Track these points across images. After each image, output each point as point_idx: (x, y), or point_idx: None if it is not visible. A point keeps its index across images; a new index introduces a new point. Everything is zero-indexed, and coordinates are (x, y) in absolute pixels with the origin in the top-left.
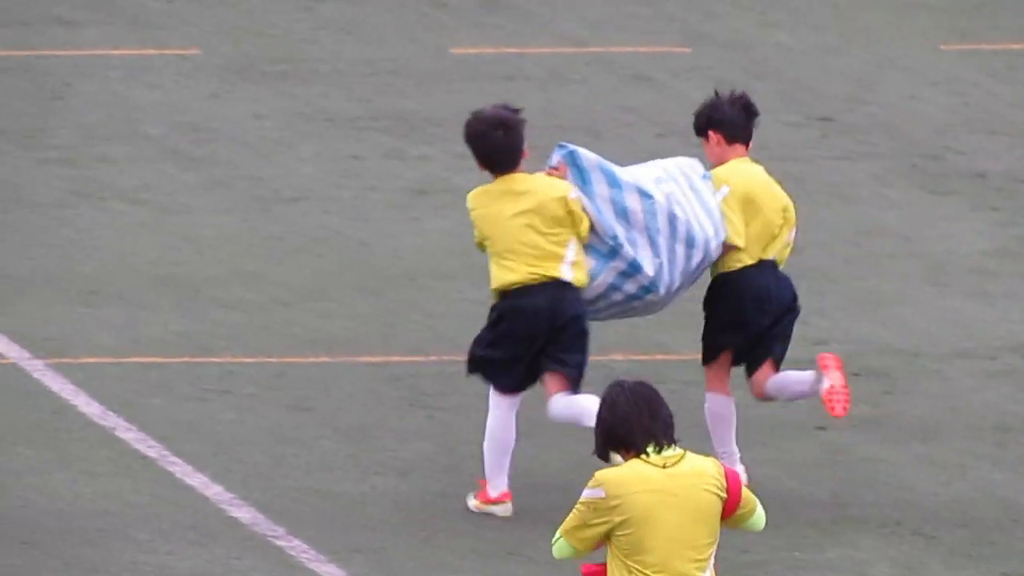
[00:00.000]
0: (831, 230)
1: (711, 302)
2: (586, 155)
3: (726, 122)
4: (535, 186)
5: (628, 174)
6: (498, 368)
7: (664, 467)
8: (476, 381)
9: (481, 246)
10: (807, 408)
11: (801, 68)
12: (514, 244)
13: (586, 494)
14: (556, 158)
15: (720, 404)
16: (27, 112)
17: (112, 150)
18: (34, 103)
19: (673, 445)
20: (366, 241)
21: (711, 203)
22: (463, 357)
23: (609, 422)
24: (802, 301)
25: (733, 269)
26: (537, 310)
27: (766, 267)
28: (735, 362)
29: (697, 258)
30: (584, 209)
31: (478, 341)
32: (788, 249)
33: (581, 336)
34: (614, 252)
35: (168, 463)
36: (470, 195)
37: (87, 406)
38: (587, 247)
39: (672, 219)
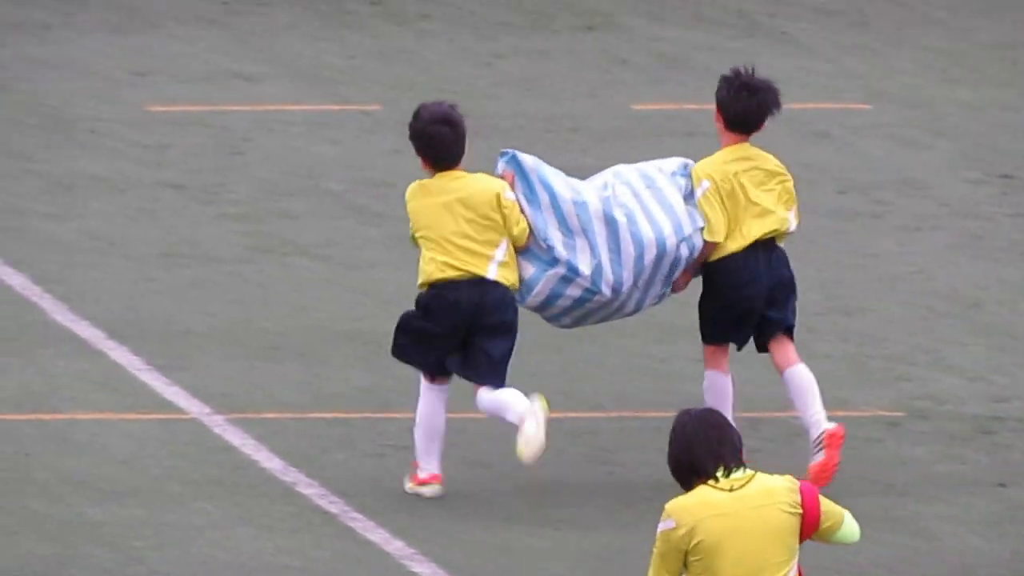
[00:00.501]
0: (1013, 288)
1: (702, 294)
2: (526, 161)
3: (725, 105)
4: (471, 183)
5: (564, 181)
6: (419, 356)
7: (731, 490)
8: (656, 438)
9: (414, 240)
10: (987, 464)
11: (982, 125)
12: (446, 239)
13: (659, 527)
14: (501, 166)
15: (716, 381)
16: (207, 167)
17: (293, 205)
18: (214, 158)
19: (742, 468)
20: None
21: (672, 200)
22: (643, 413)
23: (678, 450)
24: (982, 358)
25: (716, 259)
26: (459, 305)
27: (755, 250)
28: (739, 346)
29: (650, 256)
30: (521, 212)
31: (401, 328)
32: (786, 225)
33: (504, 331)
34: (553, 258)
35: (349, 518)
36: (408, 189)
37: (268, 461)
38: (528, 254)
39: (610, 221)
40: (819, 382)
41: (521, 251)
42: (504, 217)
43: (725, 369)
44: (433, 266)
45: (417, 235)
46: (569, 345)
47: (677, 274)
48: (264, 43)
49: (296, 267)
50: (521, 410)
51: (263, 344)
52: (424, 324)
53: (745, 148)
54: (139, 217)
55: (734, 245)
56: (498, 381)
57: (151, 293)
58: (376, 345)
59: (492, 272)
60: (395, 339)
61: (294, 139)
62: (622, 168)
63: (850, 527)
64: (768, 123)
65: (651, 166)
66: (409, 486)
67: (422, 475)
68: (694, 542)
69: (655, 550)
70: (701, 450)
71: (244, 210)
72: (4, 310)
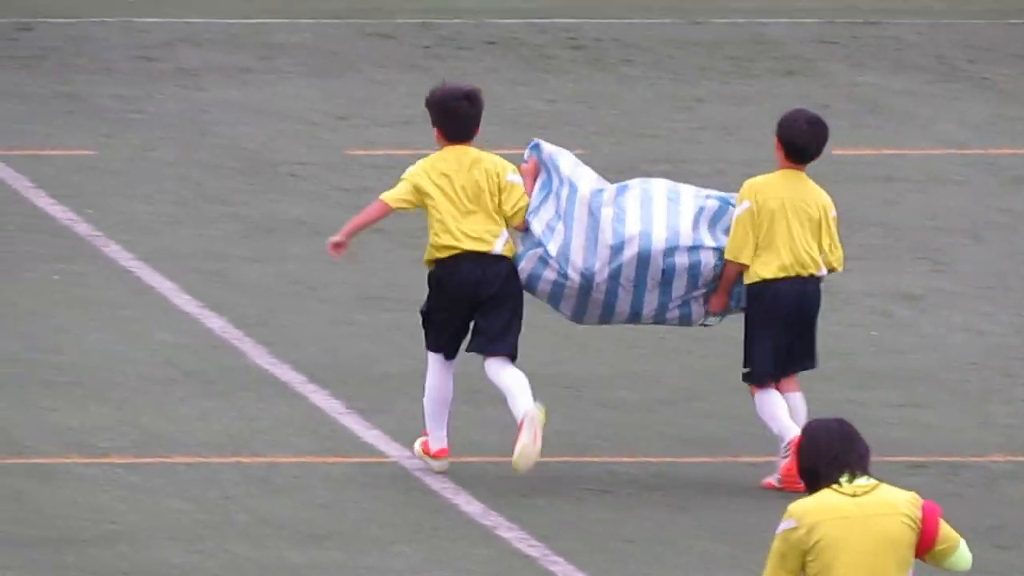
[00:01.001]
0: None
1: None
2: (545, 148)
3: (786, 133)
4: (483, 159)
5: (572, 168)
6: (430, 329)
7: (854, 496)
8: None
9: (414, 205)
10: None
11: None
12: (453, 213)
13: (780, 527)
14: (527, 153)
15: (775, 401)
16: (407, 212)
17: None
18: None
19: (867, 476)
20: None
21: (683, 214)
22: None
23: (806, 457)
24: None
25: (750, 283)
26: (464, 280)
27: (790, 282)
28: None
29: (630, 252)
30: (523, 193)
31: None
32: (832, 257)
33: (508, 305)
34: (535, 239)
35: (549, 562)
36: (424, 160)
37: (468, 505)
38: (522, 235)
39: (594, 211)
40: (1014, 426)
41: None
42: (502, 193)
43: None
44: (440, 239)
45: (427, 206)
46: None
47: (685, 288)
48: None
49: None
50: (521, 411)
51: (463, 388)
52: (435, 304)
53: (799, 177)
54: (339, 261)
55: (767, 273)
56: (507, 348)
57: (351, 336)
58: (576, 389)
59: (497, 246)
60: (420, 311)
61: None
62: (657, 181)
63: (964, 555)
64: (966, 169)
65: (687, 188)
66: (417, 450)
67: (433, 447)
68: (813, 542)
69: (773, 550)
70: (827, 457)
71: None
72: (205, 353)
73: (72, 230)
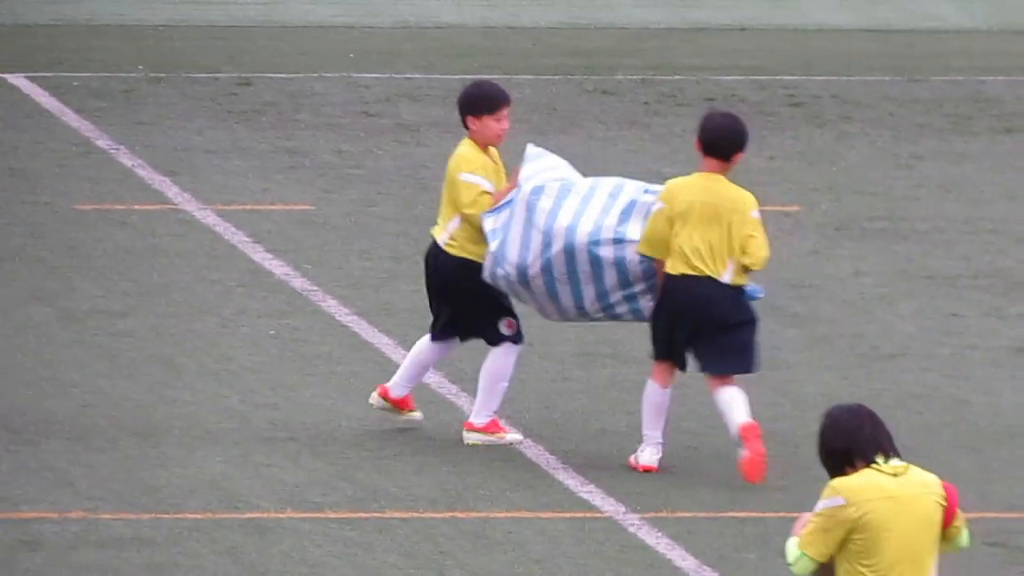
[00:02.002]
0: None
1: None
2: (529, 154)
3: (703, 135)
4: (455, 154)
5: (537, 167)
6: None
7: (895, 475)
8: None
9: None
10: None
11: None
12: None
13: (824, 504)
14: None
15: (654, 392)
16: None
17: None
18: None
19: (898, 458)
20: (964, 398)
21: (614, 210)
22: None
23: (836, 440)
24: None
25: (665, 278)
26: (426, 267)
27: (698, 280)
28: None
29: (557, 247)
30: (480, 193)
31: None
32: (745, 260)
33: (452, 297)
34: (488, 234)
35: None
36: None
37: (682, 560)
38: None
39: (531, 208)
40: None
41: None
42: (455, 191)
43: (665, 383)
44: None
45: None
46: (988, 447)
47: (616, 282)
48: (684, 143)
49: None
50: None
51: (680, 444)
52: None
53: (715, 179)
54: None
55: (673, 270)
56: (448, 336)
57: (569, 392)
58: (793, 446)
59: (441, 238)
60: None
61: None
62: (623, 180)
63: (967, 533)
64: None
65: (641, 184)
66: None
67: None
68: (862, 520)
69: (815, 525)
70: (861, 438)
71: None
72: (422, 409)
73: (289, 285)
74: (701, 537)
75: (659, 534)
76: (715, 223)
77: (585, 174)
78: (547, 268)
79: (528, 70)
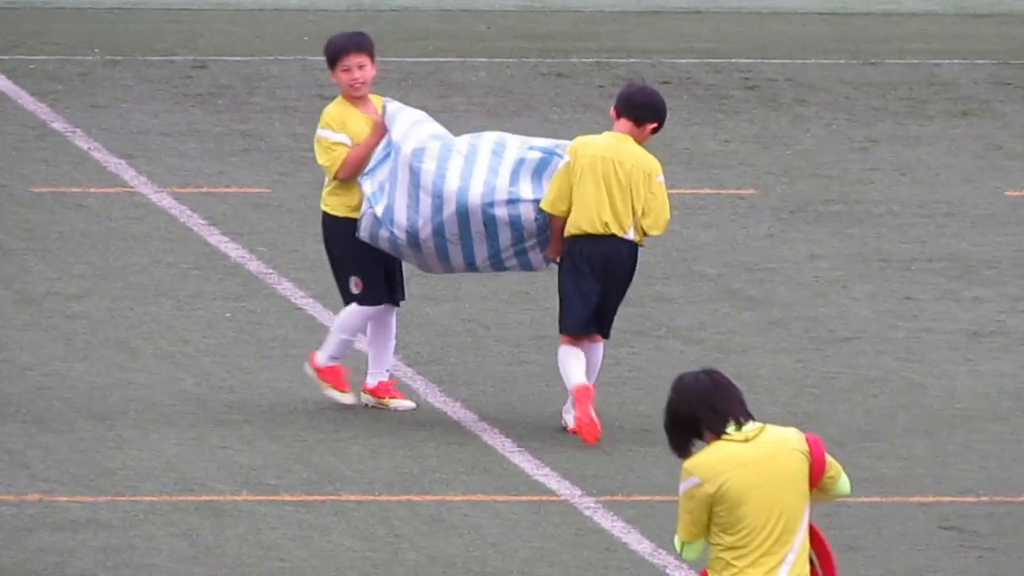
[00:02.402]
0: None
1: (560, 272)
2: (389, 108)
3: (620, 98)
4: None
5: (408, 127)
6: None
7: (747, 440)
8: None
9: None
10: None
11: None
12: None
13: (682, 487)
14: (382, 110)
15: (573, 353)
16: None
17: (668, 289)
18: None
19: (751, 420)
20: (920, 382)
21: (502, 169)
22: (1016, 499)
23: (684, 411)
24: None
25: (566, 236)
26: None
27: (594, 239)
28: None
29: (449, 210)
30: (332, 146)
31: None
32: (645, 221)
33: (330, 261)
34: (368, 200)
35: None
36: None
37: (638, 544)
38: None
39: (415, 172)
40: None
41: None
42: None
43: (574, 343)
44: None
45: None
46: (942, 431)
47: (511, 239)
48: None
49: (670, 351)
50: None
51: (636, 426)
52: None
53: (624, 139)
54: (514, 300)
55: (576, 229)
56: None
57: (525, 376)
58: None
59: (322, 201)
60: None
61: (670, 223)
62: (488, 134)
63: (846, 480)
64: None
65: (521, 139)
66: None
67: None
68: (720, 494)
69: (681, 510)
70: (708, 407)
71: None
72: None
73: (245, 268)
74: (657, 520)
75: (615, 517)
76: (618, 181)
77: None
78: (439, 231)
79: (483, 53)
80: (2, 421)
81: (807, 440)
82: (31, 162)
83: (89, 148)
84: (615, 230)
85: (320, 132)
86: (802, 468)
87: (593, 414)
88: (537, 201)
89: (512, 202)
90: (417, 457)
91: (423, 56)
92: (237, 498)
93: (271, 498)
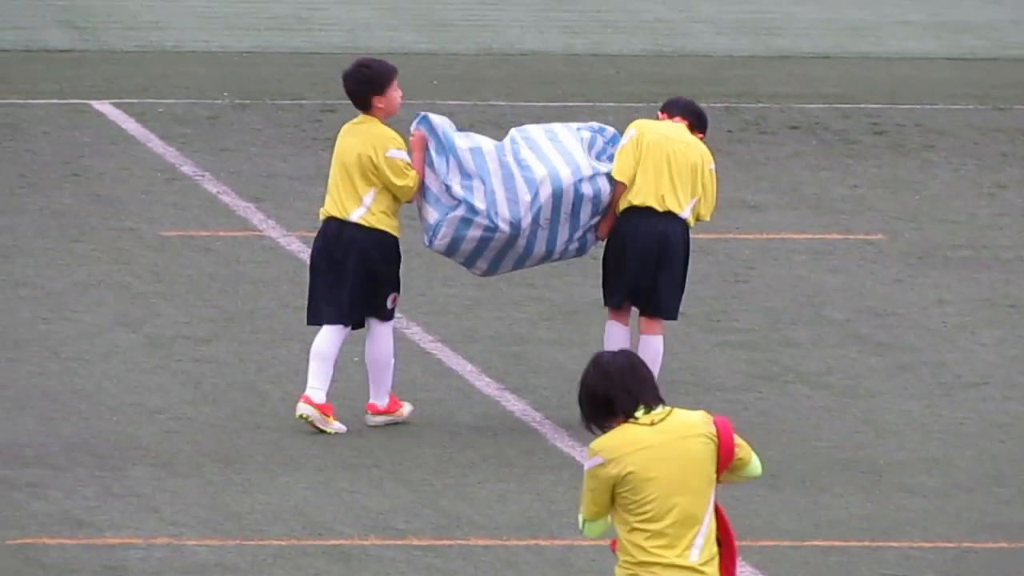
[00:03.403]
0: None
1: (606, 246)
2: (434, 120)
3: (675, 105)
4: (360, 131)
5: (464, 135)
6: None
7: (652, 424)
8: None
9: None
10: None
11: None
12: (332, 177)
13: (586, 465)
14: (413, 126)
15: (614, 334)
16: (710, 295)
17: (795, 333)
18: (718, 286)
19: (660, 404)
20: None
21: (571, 148)
22: None
23: (595, 391)
24: None
25: (620, 211)
26: (323, 244)
27: (658, 216)
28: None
29: (545, 192)
30: (407, 166)
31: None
32: (700, 207)
33: (355, 270)
34: (453, 201)
35: None
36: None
37: None
38: (432, 201)
39: (504, 164)
40: None
41: (421, 200)
42: (378, 170)
43: (624, 322)
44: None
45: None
46: None
47: (588, 216)
48: (768, 172)
49: (797, 395)
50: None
51: (766, 471)
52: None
53: (682, 128)
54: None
55: (638, 201)
56: (380, 316)
57: None
58: (876, 474)
59: (354, 215)
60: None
61: (797, 268)
62: (529, 126)
63: (756, 462)
64: None
65: (559, 124)
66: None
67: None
68: (622, 475)
69: (584, 488)
70: (620, 389)
71: (747, 338)
72: (505, 436)
73: None
74: (784, 566)
75: (742, 563)
76: (679, 162)
77: None
78: (536, 218)
79: (611, 97)
80: (131, 464)
81: (715, 423)
82: (160, 205)
83: (218, 192)
84: (672, 207)
85: (394, 154)
86: (709, 452)
87: None
88: (608, 174)
89: (594, 177)
90: (545, 501)
91: (552, 100)
92: (365, 542)
93: (399, 542)
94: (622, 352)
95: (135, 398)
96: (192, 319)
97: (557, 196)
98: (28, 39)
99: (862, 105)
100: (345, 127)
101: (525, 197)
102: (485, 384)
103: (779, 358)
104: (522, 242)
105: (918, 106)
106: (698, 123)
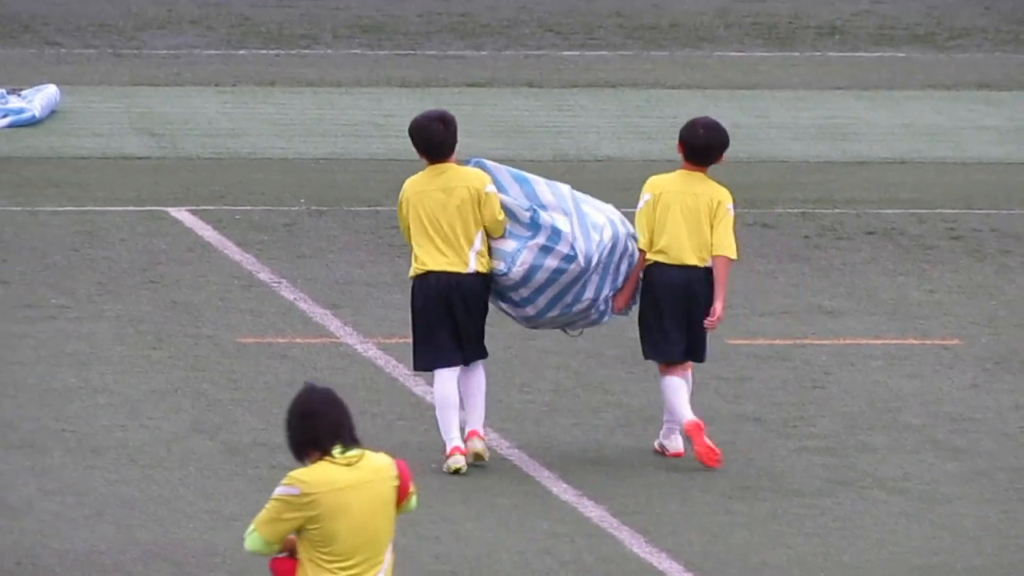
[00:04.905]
0: None
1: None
2: (493, 164)
3: (689, 141)
4: (457, 176)
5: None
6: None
7: (349, 464)
8: None
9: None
10: None
11: None
12: (432, 227)
13: (280, 491)
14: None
15: (668, 382)
16: (788, 401)
17: (872, 439)
18: (795, 392)
19: (355, 445)
20: None
21: (604, 208)
22: None
23: (301, 423)
24: None
25: (645, 267)
26: (437, 298)
27: (681, 269)
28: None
29: (607, 234)
30: (501, 203)
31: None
32: (718, 243)
33: (475, 315)
34: (535, 226)
35: None
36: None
37: None
38: (507, 233)
39: (574, 200)
40: None
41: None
42: (482, 207)
43: (671, 371)
44: (418, 257)
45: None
46: None
47: (625, 273)
48: (845, 277)
49: (874, 500)
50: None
51: None
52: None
53: (695, 176)
54: (720, 449)
55: (662, 259)
56: (483, 354)
57: (730, 525)
58: None
59: (472, 263)
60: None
61: (874, 373)
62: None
63: (415, 499)
64: None
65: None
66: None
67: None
68: (315, 512)
69: (269, 509)
70: (324, 426)
71: (824, 443)
72: (583, 542)
73: None
74: None
75: None
76: (696, 213)
77: (748, 307)
78: (600, 257)
79: None
80: (208, 572)
81: (397, 467)
82: (237, 312)
83: (295, 298)
84: (694, 261)
85: (492, 189)
86: (392, 495)
87: (709, 442)
88: (632, 234)
89: (633, 235)
90: None
91: (628, 207)
92: None
93: None
94: (327, 389)
95: (212, 505)
96: (269, 426)
97: (613, 242)
98: (106, 146)
99: (938, 210)
100: (419, 184)
101: (594, 235)
102: (563, 490)
103: (856, 463)
104: (584, 280)
105: (994, 211)
106: (707, 149)
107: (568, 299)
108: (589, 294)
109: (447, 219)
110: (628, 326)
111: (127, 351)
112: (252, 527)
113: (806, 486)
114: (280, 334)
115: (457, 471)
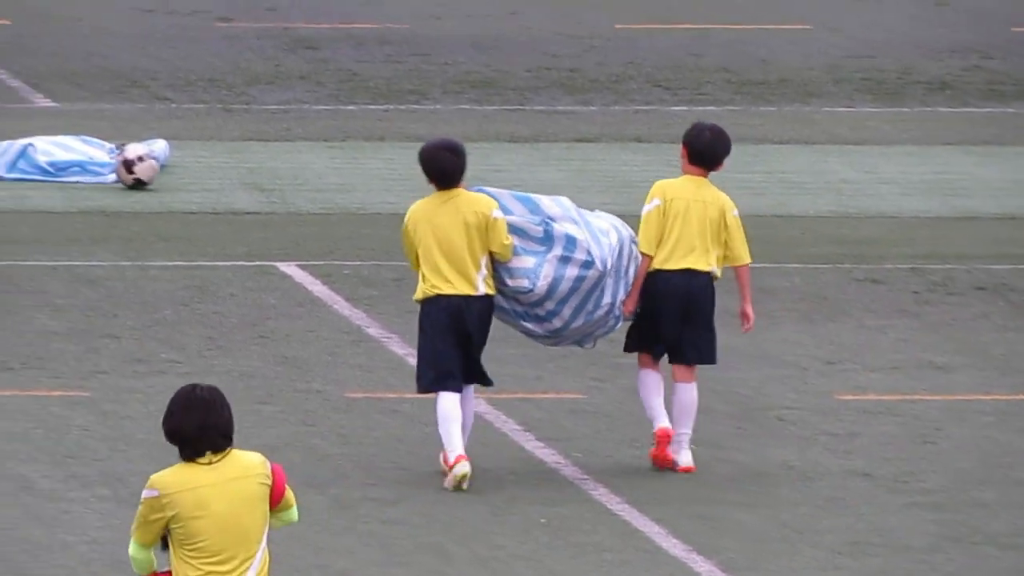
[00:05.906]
0: None
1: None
2: (496, 190)
3: (693, 143)
4: (466, 201)
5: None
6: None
7: (210, 463)
8: None
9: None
10: None
11: None
12: (441, 252)
13: (144, 494)
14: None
15: (649, 376)
16: (897, 456)
17: (983, 495)
18: (905, 447)
19: (229, 445)
20: None
21: (601, 226)
22: None
23: (172, 421)
24: None
25: (649, 271)
26: (449, 320)
27: (682, 273)
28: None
29: (613, 238)
30: (512, 223)
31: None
32: (730, 253)
33: (480, 338)
34: (548, 239)
35: None
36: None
37: None
38: (522, 251)
39: (578, 211)
40: None
41: (512, 256)
42: (489, 231)
43: (653, 367)
44: (426, 280)
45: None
46: None
47: (632, 278)
48: (955, 333)
49: (986, 556)
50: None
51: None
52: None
53: (700, 182)
54: (827, 506)
55: (665, 264)
56: (486, 380)
57: None
58: None
59: (480, 287)
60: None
61: (985, 429)
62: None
63: (295, 511)
64: None
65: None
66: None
67: (450, 459)
68: (174, 512)
69: (139, 515)
70: (190, 425)
71: (935, 499)
72: None
73: (560, 473)
74: None
75: None
76: (702, 219)
77: (858, 362)
78: (614, 260)
79: (797, 259)
80: None
81: (271, 468)
82: (346, 367)
83: (404, 354)
84: (702, 266)
85: (499, 214)
86: (262, 492)
87: (670, 453)
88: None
89: (633, 239)
90: None
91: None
92: None
93: None
94: (209, 388)
95: (323, 559)
96: (379, 481)
97: (620, 246)
98: (215, 201)
99: None
100: (427, 209)
101: (604, 240)
102: (672, 545)
103: (967, 519)
104: (602, 284)
105: None
106: (712, 155)
107: (590, 306)
108: (607, 299)
109: (456, 243)
110: (738, 383)
111: (237, 406)
112: (133, 540)
113: (916, 542)
114: (390, 389)
115: (464, 477)
